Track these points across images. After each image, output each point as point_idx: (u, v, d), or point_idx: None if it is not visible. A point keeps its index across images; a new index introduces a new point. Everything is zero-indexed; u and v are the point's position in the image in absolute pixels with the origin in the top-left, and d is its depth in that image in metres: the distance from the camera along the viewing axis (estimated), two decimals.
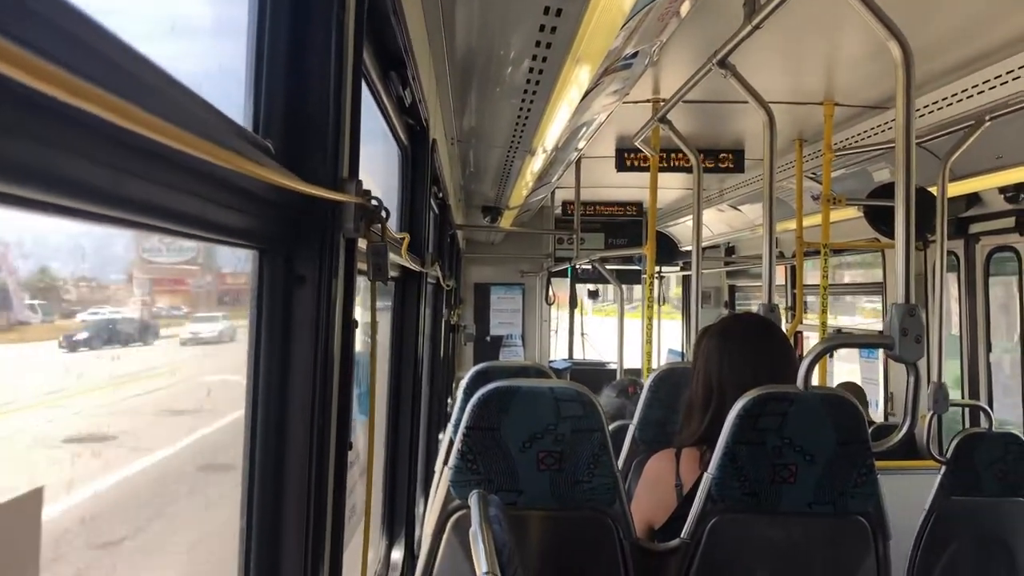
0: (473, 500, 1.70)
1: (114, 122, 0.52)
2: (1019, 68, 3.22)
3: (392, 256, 1.72)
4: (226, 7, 1.10)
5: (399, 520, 2.87)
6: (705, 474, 2.05)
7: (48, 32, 0.49)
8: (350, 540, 1.47)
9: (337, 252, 1.08)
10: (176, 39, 0.89)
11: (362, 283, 1.40)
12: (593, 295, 11.86)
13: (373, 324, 1.35)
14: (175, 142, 0.61)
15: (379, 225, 1.24)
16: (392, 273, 2.62)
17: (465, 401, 2.42)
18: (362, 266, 1.31)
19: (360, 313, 1.29)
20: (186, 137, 0.61)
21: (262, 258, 1.04)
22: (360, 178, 1.16)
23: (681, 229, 9.18)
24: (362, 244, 1.25)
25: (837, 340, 2.62)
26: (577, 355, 10.28)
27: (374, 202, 1.17)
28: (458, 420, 2.43)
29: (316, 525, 1.03)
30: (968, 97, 3.52)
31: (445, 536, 2.04)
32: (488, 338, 9.74)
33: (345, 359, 1.15)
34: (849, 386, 5.29)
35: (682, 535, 2.05)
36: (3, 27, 0.41)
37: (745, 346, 2.29)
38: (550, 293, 9.83)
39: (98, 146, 0.60)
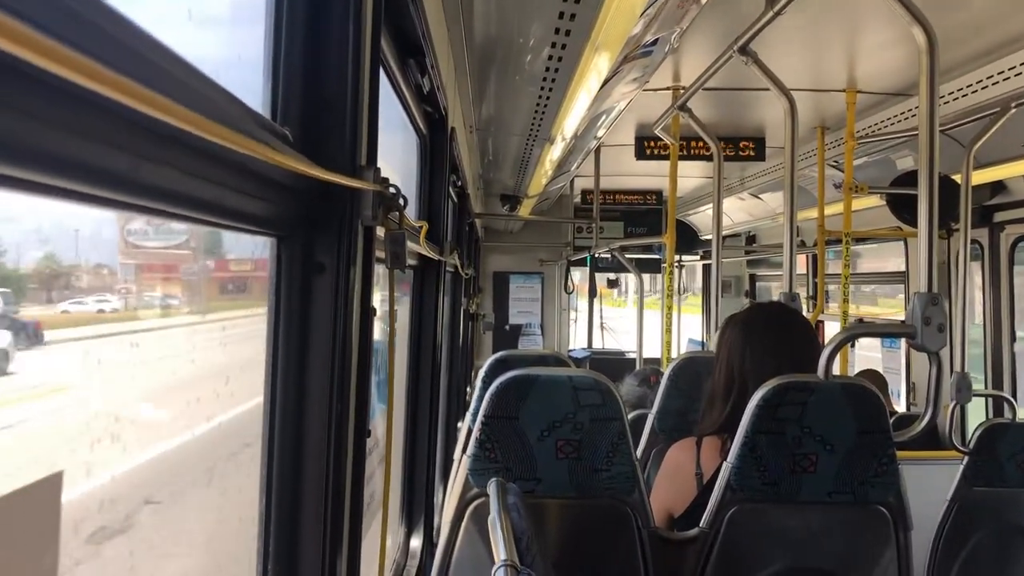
0: (492, 488, 1.70)
1: (132, 107, 0.52)
2: None
3: (410, 244, 1.72)
4: None
5: (418, 508, 2.88)
6: (724, 463, 2.05)
7: (69, 19, 0.49)
8: (368, 528, 1.48)
9: (355, 240, 1.08)
10: (194, 27, 0.89)
11: (380, 271, 1.40)
12: (613, 284, 11.84)
13: (391, 312, 1.35)
14: (193, 127, 0.61)
15: (397, 213, 1.24)
16: (410, 261, 2.62)
17: (484, 389, 2.42)
18: (380, 254, 1.31)
19: (378, 301, 1.29)
20: (204, 123, 0.62)
21: (280, 245, 1.04)
22: (378, 166, 1.16)
23: (701, 218, 9.14)
24: (380, 232, 1.25)
25: (858, 329, 2.60)
26: (596, 344, 10.28)
27: (392, 190, 1.17)
28: (476, 409, 2.44)
29: (334, 513, 1.04)
30: (993, 84, 3.48)
31: (464, 524, 2.05)
32: (507, 327, 9.74)
33: (363, 347, 1.15)
34: (869, 373, 5.23)
35: (701, 524, 2.05)
36: (29, 15, 0.41)
37: (767, 336, 2.28)
38: (570, 282, 9.81)
39: (116, 132, 0.60)
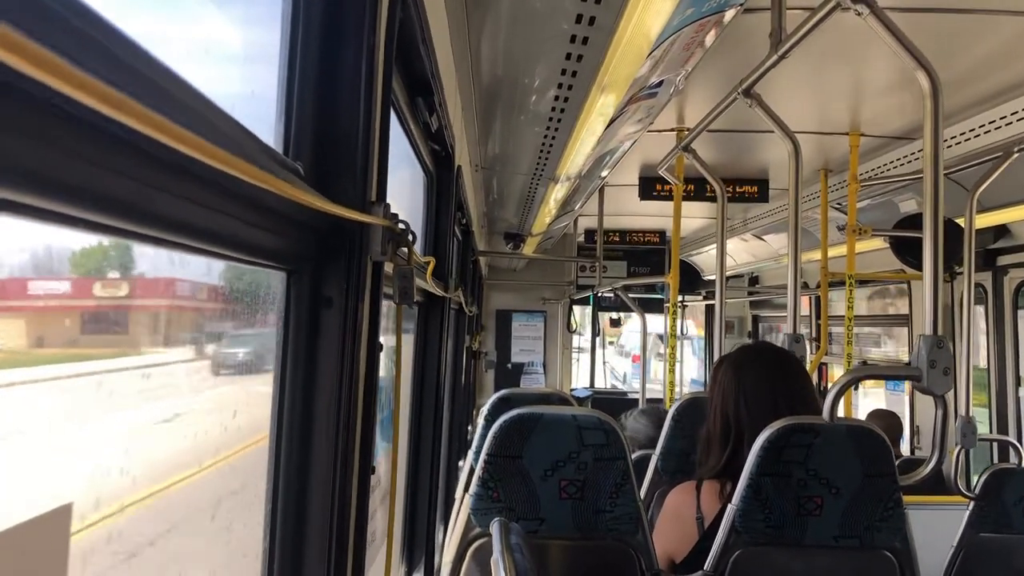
0: (495, 528, 1.69)
1: (148, 135, 0.52)
2: None
3: (417, 280, 1.73)
4: (259, 33, 1.12)
5: (419, 546, 2.85)
6: (729, 506, 2.03)
7: (91, 50, 0.49)
8: (371, 565, 1.47)
9: (364, 275, 1.08)
10: (211, 63, 0.90)
11: (387, 306, 1.40)
12: (616, 324, 11.83)
13: (398, 348, 1.35)
14: (207, 157, 0.61)
15: (405, 249, 1.24)
16: (416, 298, 2.63)
17: (487, 427, 2.41)
18: (387, 289, 1.31)
19: (384, 337, 1.29)
20: (219, 153, 0.62)
21: (290, 279, 1.04)
22: (387, 202, 1.17)
23: (704, 258, 9.15)
24: (388, 267, 1.26)
25: (863, 371, 2.59)
26: (599, 384, 10.25)
27: (401, 225, 1.17)
28: (479, 447, 2.42)
29: (338, 549, 1.03)
30: (996, 128, 3.50)
31: (465, 564, 2.03)
32: (509, 365, 9.71)
33: (369, 383, 1.15)
34: (884, 414, 5.15)
35: (705, 567, 2.03)
36: (52, 43, 0.42)
37: (760, 377, 2.26)
38: (572, 321, 9.80)
39: (131, 161, 0.61)
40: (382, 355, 1.30)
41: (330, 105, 1.05)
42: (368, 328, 1.12)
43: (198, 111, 0.66)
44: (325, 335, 1.04)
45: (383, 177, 1.17)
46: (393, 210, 1.19)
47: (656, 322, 9.53)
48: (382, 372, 1.34)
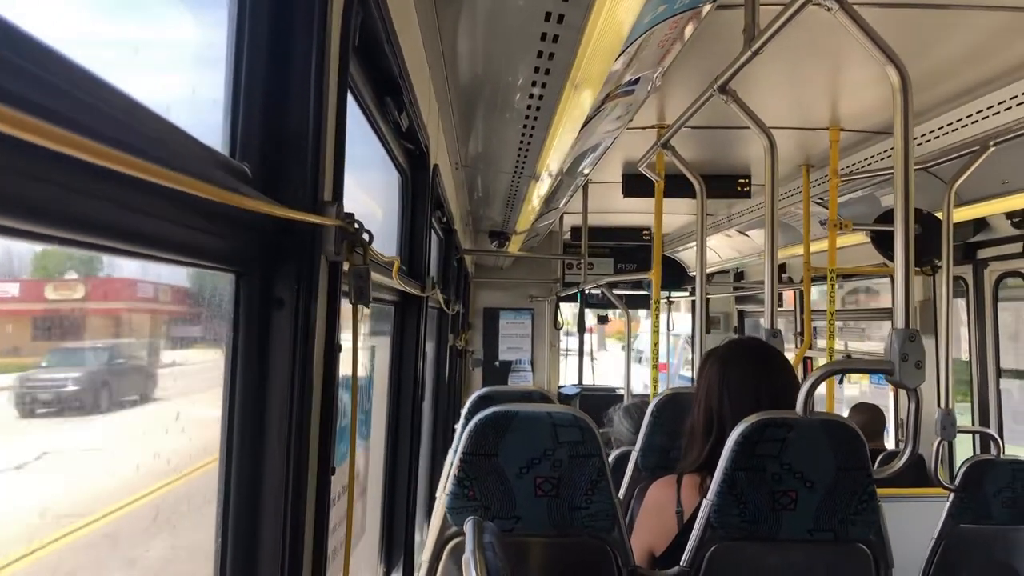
0: (468, 527, 1.68)
1: (83, 155, 0.51)
2: (1023, 94, 3.21)
3: (384, 280, 1.72)
4: (205, 32, 1.10)
5: (397, 546, 2.85)
6: (704, 501, 2.03)
7: (12, 67, 0.49)
8: (342, 568, 1.46)
9: (317, 275, 1.07)
10: (144, 64, 0.89)
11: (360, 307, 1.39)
12: (603, 320, 11.84)
13: (355, 347, 1.34)
14: (145, 174, 0.60)
15: (362, 248, 1.24)
16: (389, 297, 2.62)
17: (466, 426, 2.41)
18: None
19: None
20: (155, 169, 0.61)
21: (239, 281, 1.03)
22: (344, 200, 1.16)
23: (690, 254, 9.17)
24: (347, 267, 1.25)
25: (837, 365, 2.61)
26: (587, 380, 10.26)
27: (356, 225, 1.16)
28: (458, 445, 2.42)
29: (291, 553, 1.02)
30: (973, 123, 3.52)
31: (442, 564, 2.03)
32: (497, 363, 9.70)
33: (328, 383, 1.14)
34: (866, 407, 5.17)
35: (681, 563, 2.03)
36: None
37: (746, 372, 2.28)
38: (559, 318, 9.80)
39: (69, 173, 0.60)
40: (362, 356, 1.28)
41: (279, 105, 1.04)
42: (325, 328, 1.11)
43: (131, 119, 0.66)
44: (276, 337, 1.03)
45: (339, 176, 1.16)
46: (366, 209, 1.19)
47: (683, 321, 9.52)
48: (362, 372, 1.33)
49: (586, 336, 10.42)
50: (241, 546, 1.01)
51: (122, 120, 0.64)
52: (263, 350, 1.03)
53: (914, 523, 2.73)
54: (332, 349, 1.15)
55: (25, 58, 0.51)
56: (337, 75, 1.12)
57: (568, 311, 10.28)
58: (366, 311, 1.38)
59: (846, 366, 3.63)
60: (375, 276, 1.56)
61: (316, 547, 1.12)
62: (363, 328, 1.60)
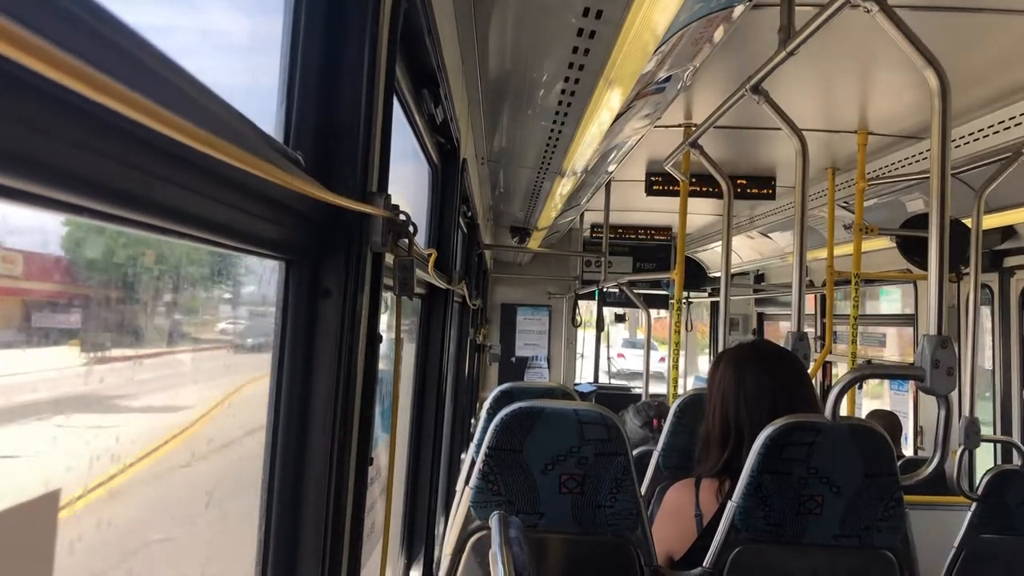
0: (494, 521, 1.68)
1: (146, 125, 0.52)
2: None
3: (419, 272, 1.72)
4: (261, 22, 1.11)
5: (418, 539, 2.85)
6: (729, 503, 2.02)
7: (87, 38, 0.49)
8: (368, 558, 1.47)
9: (364, 266, 1.08)
10: (212, 52, 0.90)
11: (388, 298, 1.39)
12: (620, 319, 11.82)
13: (398, 339, 1.35)
14: (206, 147, 0.61)
15: (406, 240, 1.24)
16: (418, 290, 2.62)
17: (488, 421, 2.41)
18: (388, 281, 1.30)
19: (385, 328, 1.29)
20: (217, 143, 0.62)
21: (288, 269, 1.04)
22: (389, 192, 1.16)
23: (710, 255, 9.14)
24: (389, 259, 1.25)
25: (866, 370, 2.58)
26: (602, 379, 10.25)
27: (402, 216, 1.17)
28: (480, 440, 2.42)
29: (334, 541, 1.03)
30: (1005, 129, 3.48)
31: (464, 557, 2.03)
32: (513, 359, 9.70)
33: (369, 374, 1.14)
34: (883, 414, 5.15)
35: (704, 564, 2.02)
36: (48, 31, 0.41)
37: (761, 378, 2.25)
38: (577, 316, 9.79)
39: (131, 150, 0.61)
40: (383, 347, 1.29)
41: (332, 95, 1.04)
42: (367, 319, 1.12)
43: (196, 99, 0.66)
44: (323, 326, 1.04)
45: (385, 168, 1.17)
46: (395, 201, 1.19)
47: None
48: (383, 364, 1.34)
49: (612, 331, 10.40)
50: (283, 534, 1.02)
51: (188, 97, 0.65)
52: (310, 339, 1.03)
53: (934, 531, 2.71)
54: (374, 340, 1.16)
55: (112, 36, 0.52)
56: (385, 66, 1.12)
57: (584, 308, 10.25)
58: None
59: (875, 371, 3.60)
60: None
61: (353, 535, 1.13)
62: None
